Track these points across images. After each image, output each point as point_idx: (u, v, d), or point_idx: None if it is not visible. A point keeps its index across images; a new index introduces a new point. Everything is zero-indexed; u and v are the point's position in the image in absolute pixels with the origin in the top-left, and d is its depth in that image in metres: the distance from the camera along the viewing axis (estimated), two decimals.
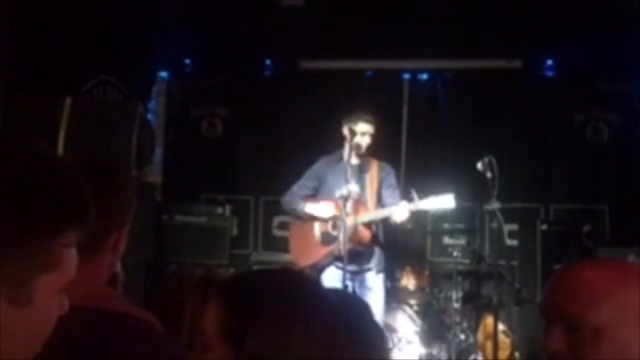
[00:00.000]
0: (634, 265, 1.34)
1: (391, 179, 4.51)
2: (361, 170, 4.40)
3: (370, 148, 4.51)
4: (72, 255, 0.86)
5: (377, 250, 4.39)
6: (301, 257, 4.53)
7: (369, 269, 4.37)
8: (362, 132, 4.34)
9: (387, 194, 4.44)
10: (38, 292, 0.83)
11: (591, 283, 1.23)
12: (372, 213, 4.28)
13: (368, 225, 4.28)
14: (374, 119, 4.45)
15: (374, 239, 4.34)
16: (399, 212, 4.10)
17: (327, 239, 4.33)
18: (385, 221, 4.32)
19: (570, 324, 1.22)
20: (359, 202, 4.26)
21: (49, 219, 0.82)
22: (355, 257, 4.19)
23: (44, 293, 0.84)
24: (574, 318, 1.22)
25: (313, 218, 4.41)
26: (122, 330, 1.29)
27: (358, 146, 4.30)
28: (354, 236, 4.15)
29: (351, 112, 4.43)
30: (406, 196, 4.35)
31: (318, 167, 4.57)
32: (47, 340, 1.16)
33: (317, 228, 4.39)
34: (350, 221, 4.03)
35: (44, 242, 0.82)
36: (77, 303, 1.26)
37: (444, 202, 4.09)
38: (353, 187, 4.10)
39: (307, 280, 1.13)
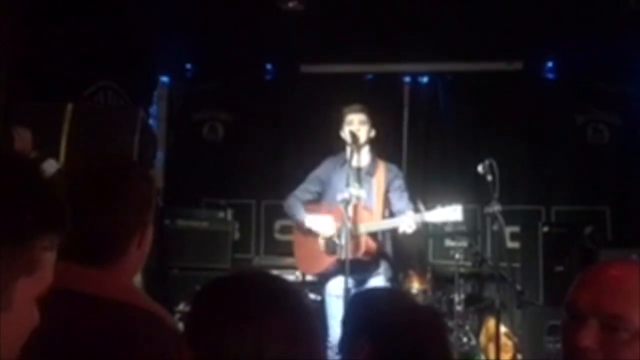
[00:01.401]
0: None
1: (398, 181, 4.36)
2: (368, 173, 4.27)
3: (374, 146, 4.43)
4: (50, 259, 0.88)
5: (384, 262, 4.28)
6: (306, 265, 4.47)
7: (377, 275, 4.27)
8: (350, 121, 4.27)
9: (394, 197, 4.31)
10: (17, 295, 0.84)
11: (634, 285, 1.22)
12: (377, 223, 4.17)
13: (373, 235, 4.16)
14: (365, 107, 4.35)
15: (380, 250, 4.23)
16: (406, 223, 4.00)
17: (332, 247, 4.21)
18: (393, 230, 4.22)
19: (609, 324, 1.21)
20: (364, 207, 4.18)
21: (28, 222, 0.84)
22: (361, 267, 4.10)
23: (23, 297, 0.85)
24: (614, 318, 1.21)
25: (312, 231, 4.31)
26: (152, 327, 1.34)
27: (353, 135, 4.15)
28: (359, 246, 4.06)
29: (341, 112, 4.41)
30: (413, 202, 4.26)
31: (322, 170, 4.45)
32: (78, 326, 1.21)
33: (322, 236, 4.30)
34: (351, 226, 3.94)
35: (24, 245, 0.83)
36: (109, 296, 1.34)
37: (451, 214, 4.03)
38: (356, 191, 4.01)
39: (267, 282, 1.15)
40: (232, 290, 1.12)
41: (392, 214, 4.30)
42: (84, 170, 1.48)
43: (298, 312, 1.09)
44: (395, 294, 1.90)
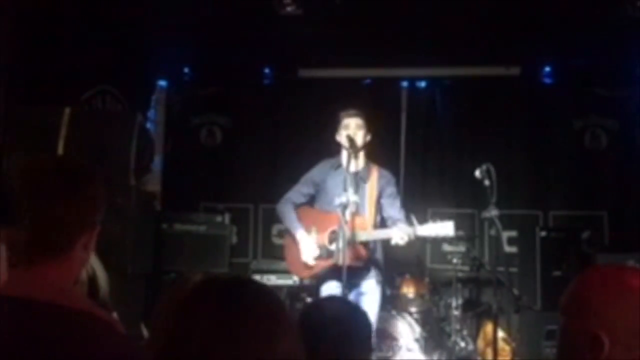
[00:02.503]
0: None
1: (391, 188, 4.37)
2: (361, 179, 4.27)
3: (369, 151, 4.43)
4: (3, 251, 0.88)
5: (374, 268, 4.29)
6: (299, 268, 4.43)
7: (369, 278, 4.28)
8: (346, 125, 4.27)
9: (386, 203, 4.31)
10: None
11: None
12: (371, 233, 4.16)
13: (365, 243, 4.16)
14: (361, 111, 4.34)
15: (370, 257, 4.24)
16: (398, 236, 4.00)
17: (323, 252, 4.23)
18: (385, 241, 4.22)
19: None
20: (357, 213, 4.16)
21: None
22: (353, 272, 4.06)
23: None
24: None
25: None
26: (86, 329, 1.33)
27: (351, 140, 4.15)
28: (351, 253, 4.08)
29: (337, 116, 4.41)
30: (406, 216, 4.26)
31: (316, 172, 4.45)
32: (16, 333, 1.21)
33: (314, 241, 4.30)
34: (348, 232, 3.94)
35: None
36: (48, 300, 1.33)
37: (443, 229, 4.02)
38: (352, 197, 4.02)
39: (240, 288, 1.15)
40: (208, 296, 1.13)
41: (383, 220, 4.32)
42: (29, 170, 1.45)
43: (270, 317, 1.10)
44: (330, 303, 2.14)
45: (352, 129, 4.26)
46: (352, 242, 4.00)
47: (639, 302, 1.24)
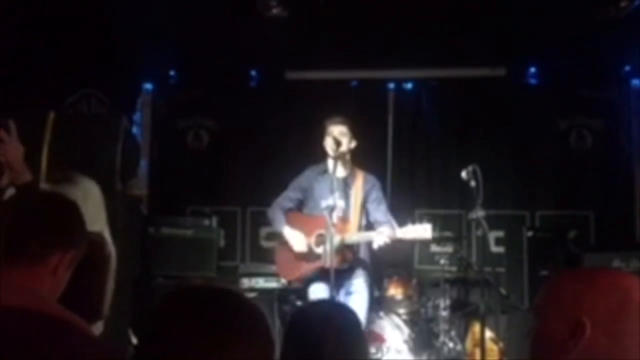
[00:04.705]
0: None
1: (376, 192, 4.44)
2: (346, 184, 4.35)
3: (354, 157, 4.46)
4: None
5: (360, 268, 4.36)
6: (285, 271, 4.54)
7: (355, 277, 4.33)
8: (330, 132, 4.31)
9: (372, 207, 4.38)
10: None
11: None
12: (355, 235, 4.25)
13: (349, 246, 4.25)
14: (346, 119, 4.40)
15: (355, 259, 4.32)
16: (378, 239, 4.11)
17: (309, 256, 4.29)
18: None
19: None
20: (342, 218, 4.22)
21: None
22: (340, 273, 4.16)
23: None
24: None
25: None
26: (52, 332, 1.35)
27: (331, 146, 4.24)
28: (339, 256, 4.11)
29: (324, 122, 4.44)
30: (393, 209, 4.32)
31: (303, 178, 4.52)
32: None
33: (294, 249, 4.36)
34: (336, 237, 3.99)
35: None
36: (17, 303, 1.36)
37: (421, 231, 4.10)
38: (338, 201, 4.08)
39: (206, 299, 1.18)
40: (171, 306, 1.15)
41: (369, 224, 4.35)
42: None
43: (221, 325, 1.12)
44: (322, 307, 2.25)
45: (335, 135, 4.30)
46: (339, 247, 4.05)
47: (610, 292, 1.28)
